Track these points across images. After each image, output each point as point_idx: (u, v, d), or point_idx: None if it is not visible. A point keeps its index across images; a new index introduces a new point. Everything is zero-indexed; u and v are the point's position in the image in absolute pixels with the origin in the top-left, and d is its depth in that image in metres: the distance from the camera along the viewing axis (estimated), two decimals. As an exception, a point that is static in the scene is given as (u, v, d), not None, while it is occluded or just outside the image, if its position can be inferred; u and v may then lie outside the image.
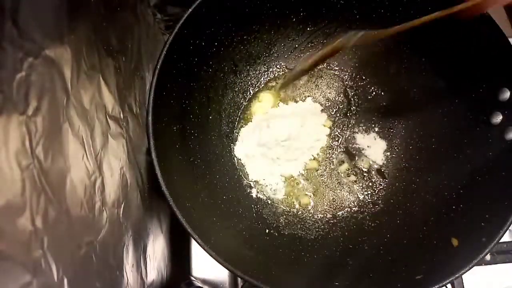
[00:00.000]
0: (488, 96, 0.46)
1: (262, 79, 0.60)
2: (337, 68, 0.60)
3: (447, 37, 0.48)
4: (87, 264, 0.31)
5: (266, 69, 0.60)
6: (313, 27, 0.56)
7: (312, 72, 0.60)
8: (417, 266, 0.43)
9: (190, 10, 0.43)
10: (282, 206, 0.55)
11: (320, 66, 0.60)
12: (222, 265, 0.38)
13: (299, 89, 0.60)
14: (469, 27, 0.44)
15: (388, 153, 0.56)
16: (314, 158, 0.58)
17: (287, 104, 0.59)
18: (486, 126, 0.46)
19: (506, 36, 0.43)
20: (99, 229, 0.33)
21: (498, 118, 0.45)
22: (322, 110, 0.59)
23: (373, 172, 0.57)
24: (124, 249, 0.38)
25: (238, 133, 0.58)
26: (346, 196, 0.56)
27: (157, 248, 0.49)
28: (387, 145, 0.57)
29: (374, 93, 0.59)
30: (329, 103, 0.59)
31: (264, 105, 0.59)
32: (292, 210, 0.55)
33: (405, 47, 0.53)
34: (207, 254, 0.38)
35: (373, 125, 0.59)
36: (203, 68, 0.51)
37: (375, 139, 0.58)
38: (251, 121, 0.58)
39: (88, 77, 0.34)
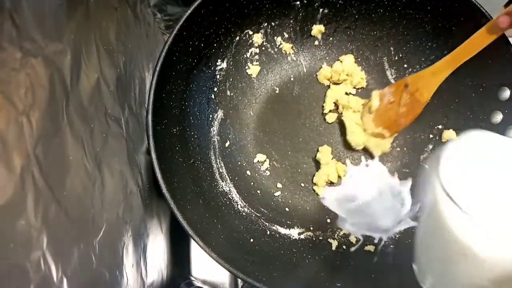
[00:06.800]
0: (488, 95, 0.46)
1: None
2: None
3: (447, 36, 0.48)
4: (86, 264, 0.30)
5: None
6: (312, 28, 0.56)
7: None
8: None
9: (190, 10, 0.43)
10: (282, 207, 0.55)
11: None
12: (224, 267, 0.38)
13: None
14: (469, 27, 0.44)
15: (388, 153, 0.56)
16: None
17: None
18: (486, 126, 0.46)
19: (506, 36, 0.43)
20: (98, 229, 0.33)
21: (498, 118, 0.45)
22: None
23: (373, 172, 0.57)
24: (124, 249, 0.38)
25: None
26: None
27: (157, 248, 0.49)
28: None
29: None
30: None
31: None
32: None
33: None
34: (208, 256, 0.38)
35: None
36: (202, 69, 0.51)
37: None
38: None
39: (88, 77, 0.34)
